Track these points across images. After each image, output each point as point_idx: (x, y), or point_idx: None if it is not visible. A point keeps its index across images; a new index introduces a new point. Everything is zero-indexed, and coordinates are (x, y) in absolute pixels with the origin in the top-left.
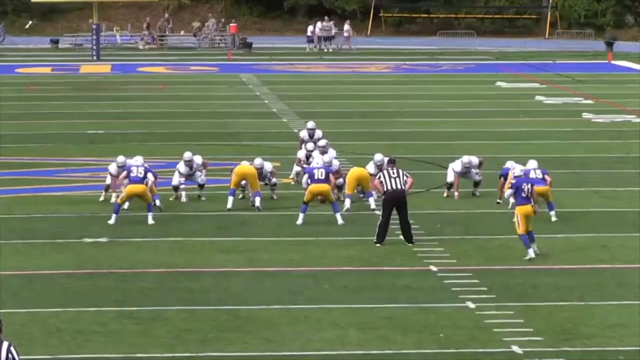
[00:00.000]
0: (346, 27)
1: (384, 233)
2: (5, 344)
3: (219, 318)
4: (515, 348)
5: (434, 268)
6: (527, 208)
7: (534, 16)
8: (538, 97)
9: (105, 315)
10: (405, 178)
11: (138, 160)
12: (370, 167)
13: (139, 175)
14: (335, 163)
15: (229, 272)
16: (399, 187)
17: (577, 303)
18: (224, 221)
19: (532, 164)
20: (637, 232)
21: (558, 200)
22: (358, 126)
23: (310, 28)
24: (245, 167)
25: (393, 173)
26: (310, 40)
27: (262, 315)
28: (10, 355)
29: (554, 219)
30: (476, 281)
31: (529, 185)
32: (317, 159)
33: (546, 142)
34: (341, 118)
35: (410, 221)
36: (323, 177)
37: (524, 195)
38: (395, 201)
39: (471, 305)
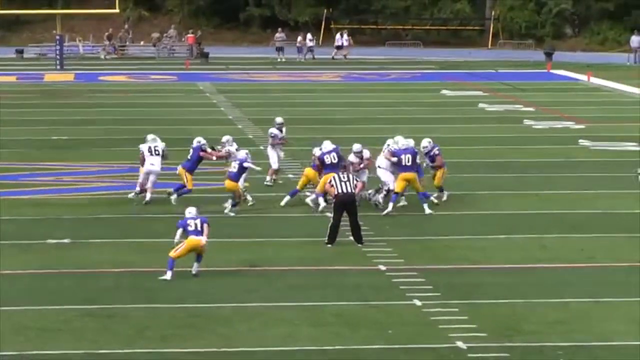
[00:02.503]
0: (308, 37)
1: (335, 235)
2: None
3: (177, 315)
4: (459, 343)
5: (382, 267)
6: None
7: (477, 27)
8: (481, 105)
9: (68, 313)
10: (355, 182)
11: (192, 212)
12: (351, 157)
13: (197, 228)
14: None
15: (187, 271)
16: (349, 190)
17: (519, 301)
18: None
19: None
20: (574, 232)
21: (500, 202)
22: (310, 132)
23: (299, 39)
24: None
25: (344, 177)
26: (299, 50)
27: (218, 313)
28: None
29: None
30: (422, 280)
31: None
32: (327, 145)
33: (489, 148)
34: (294, 125)
35: (360, 223)
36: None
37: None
38: (345, 204)
39: (418, 302)
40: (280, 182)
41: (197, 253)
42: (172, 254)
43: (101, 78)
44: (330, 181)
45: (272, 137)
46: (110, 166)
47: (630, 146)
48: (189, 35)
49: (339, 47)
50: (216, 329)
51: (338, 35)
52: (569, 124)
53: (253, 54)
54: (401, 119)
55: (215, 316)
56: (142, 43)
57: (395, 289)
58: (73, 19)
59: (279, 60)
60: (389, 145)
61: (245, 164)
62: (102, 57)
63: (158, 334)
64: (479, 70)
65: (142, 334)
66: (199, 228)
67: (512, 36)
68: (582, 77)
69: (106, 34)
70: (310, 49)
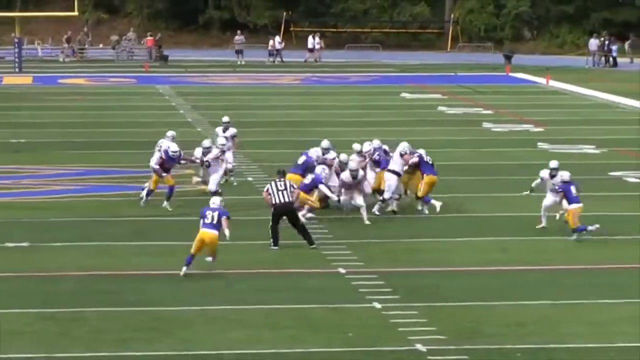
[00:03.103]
0: (275, 41)
1: (276, 236)
2: None
3: (136, 319)
4: (419, 346)
5: (342, 270)
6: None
7: (437, 30)
8: (440, 108)
9: (28, 317)
10: (291, 190)
11: (215, 202)
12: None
13: (213, 221)
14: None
15: (147, 275)
16: (285, 199)
17: (478, 303)
18: (142, 226)
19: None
20: (533, 235)
21: (460, 205)
22: (270, 135)
23: (270, 42)
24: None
25: (280, 186)
26: (270, 53)
27: (178, 316)
28: None
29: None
30: (382, 282)
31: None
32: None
33: (448, 150)
34: (254, 127)
35: (320, 226)
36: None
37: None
38: (282, 214)
39: (377, 305)
40: (235, 184)
41: (208, 247)
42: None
43: (60, 81)
44: (267, 189)
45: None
46: (69, 169)
47: (589, 149)
48: (148, 38)
49: (311, 50)
50: (176, 332)
51: (310, 38)
52: (528, 127)
53: (212, 57)
54: (360, 122)
55: (175, 319)
56: (101, 46)
57: (355, 292)
58: (32, 21)
59: (238, 63)
60: (405, 151)
61: (321, 186)
62: (61, 59)
63: (117, 337)
64: (438, 73)
65: (101, 338)
66: (214, 221)
67: (471, 39)
68: (541, 80)
69: (65, 36)
70: (278, 52)
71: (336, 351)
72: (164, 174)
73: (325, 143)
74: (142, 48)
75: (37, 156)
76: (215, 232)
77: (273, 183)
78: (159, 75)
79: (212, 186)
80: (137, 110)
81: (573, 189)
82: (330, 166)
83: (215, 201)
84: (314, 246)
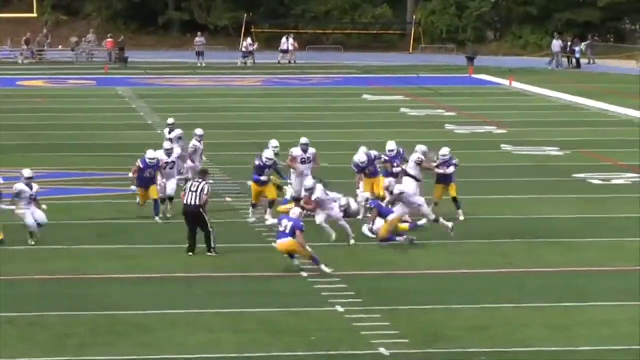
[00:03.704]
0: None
1: (192, 242)
2: None
3: (98, 323)
4: (382, 350)
5: (304, 274)
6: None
7: (399, 32)
8: (402, 109)
9: None
10: (202, 194)
11: (295, 212)
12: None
13: (286, 230)
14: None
15: (109, 278)
16: (192, 202)
17: (440, 307)
18: (104, 229)
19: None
20: (495, 238)
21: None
22: (231, 137)
23: (244, 44)
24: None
25: (193, 187)
26: (244, 55)
27: (139, 320)
28: None
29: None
30: (345, 286)
31: None
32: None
33: (410, 153)
34: (215, 129)
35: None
36: None
37: None
38: (188, 215)
39: (340, 309)
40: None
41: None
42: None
43: (19, 83)
44: (184, 189)
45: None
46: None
47: (552, 151)
48: (108, 39)
49: (285, 52)
50: (137, 336)
51: (284, 39)
52: (491, 129)
53: (173, 59)
54: (322, 124)
55: (136, 323)
56: (60, 48)
57: (317, 295)
58: None
59: (199, 65)
60: (424, 153)
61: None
62: (20, 61)
63: (78, 342)
64: (400, 75)
65: (62, 342)
66: (287, 231)
67: (433, 41)
68: (504, 82)
69: (24, 38)
70: (251, 53)
71: (299, 355)
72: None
73: (274, 142)
74: (102, 50)
75: None
76: (287, 240)
77: (189, 183)
78: (119, 77)
79: (169, 192)
80: (97, 112)
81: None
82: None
83: (295, 212)
84: (209, 253)
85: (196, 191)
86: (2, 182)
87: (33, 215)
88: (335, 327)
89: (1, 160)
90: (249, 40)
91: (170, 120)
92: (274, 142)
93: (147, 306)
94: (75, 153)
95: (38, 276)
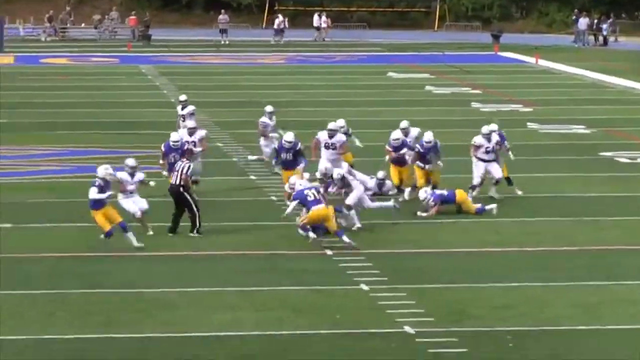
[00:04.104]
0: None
1: (173, 223)
2: None
3: (119, 301)
4: (407, 328)
5: (329, 252)
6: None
7: (424, 9)
8: (428, 87)
9: (11, 299)
10: (183, 174)
11: (303, 182)
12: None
13: (316, 197)
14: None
15: (130, 256)
16: (175, 182)
17: (466, 285)
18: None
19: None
20: (523, 216)
21: (450, 186)
22: (254, 116)
23: (276, 21)
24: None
25: (178, 167)
26: (277, 32)
27: (162, 297)
28: None
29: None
30: (370, 264)
31: None
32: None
33: (436, 131)
34: (238, 108)
35: None
36: None
37: None
38: (173, 195)
39: (365, 287)
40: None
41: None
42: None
43: (42, 61)
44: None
45: (263, 127)
46: (52, 150)
47: (579, 129)
48: (131, 17)
49: (318, 29)
50: (159, 314)
51: (316, 17)
52: (517, 107)
53: (196, 37)
54: (347, 102)
55: (158, 301)
56: (83, 25)
57: (342, 273)
58: (13, 0)
59: (222, 42)
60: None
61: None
62: (43, 39)
63: (101, 319)
64: (425, 52)
65: (85, 320)
66: (318, 197)
67: (458, 18)
68: (530, 59)
69: (47, 15)
70: (282, 31)
71: (323, 333)
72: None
73: (269, 108)
74: (124, 27)
75: (19, 137)
76: (322, 206)
77: (177, 163)
78: (142, 55)
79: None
80: (120, 90)
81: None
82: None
83: (302, 182)
84: (191, 234)
85: (179, 171)
86: (112, 172)
87: (135, 204)
88: (360, 306)
89: (23, 138)
90: (280, 17)
91: (183, 97)
92: (340, 122)
93: (169, 284)
94: (98, 131)
95: (57, 254)
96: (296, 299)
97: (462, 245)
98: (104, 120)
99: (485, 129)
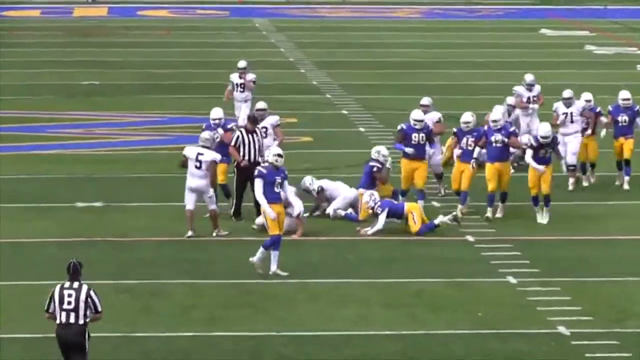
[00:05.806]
0: None
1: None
2: (84, 287)
3: (226, 293)
4: (561, 329)
5: (470, 238)
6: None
7: None
8: (587, 47)
9: (102, 289)
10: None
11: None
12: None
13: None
14: None
15: (235, 241)
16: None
17: (630, 278)
18: (229, 184)
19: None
20: None
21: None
22: (385, 78)
23: None
24: None
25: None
26: None
27: (277, 290)
28: (89, 299)
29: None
30: (518, 253)
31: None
32: None
33: (598, 97)
34: (366, 69)
35: (446, 185)
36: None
37: None
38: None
39: (512, 280)
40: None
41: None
42: None
43: (139, 13)
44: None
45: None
46: (148, 117)
47: None
48: None
49: None
50: (274, 309)
51: None
52: None
53: None
54: (492, 62)
55: (273, 294)
56: None
57: (485, 263)
58: None
59: None
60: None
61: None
62: None
63: (205, 315)
64: (585, 6)
65: (187, 315)
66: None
67: None
68: None
69: None
70: None
71: (462, 334)
72: None
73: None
74: None
75: (112, 101)
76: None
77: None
78: (256, 7)
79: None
80: (229, 48)
81: None
82: None
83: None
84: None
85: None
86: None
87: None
88: (506, 302)
89: (117, 103)
90: None
91: (242, 64)
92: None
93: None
94: (201, 95)
95: (155, 238)
96: (433, 292)
97: (627, 232)
98: (210, 82)
99: (566, 93)
